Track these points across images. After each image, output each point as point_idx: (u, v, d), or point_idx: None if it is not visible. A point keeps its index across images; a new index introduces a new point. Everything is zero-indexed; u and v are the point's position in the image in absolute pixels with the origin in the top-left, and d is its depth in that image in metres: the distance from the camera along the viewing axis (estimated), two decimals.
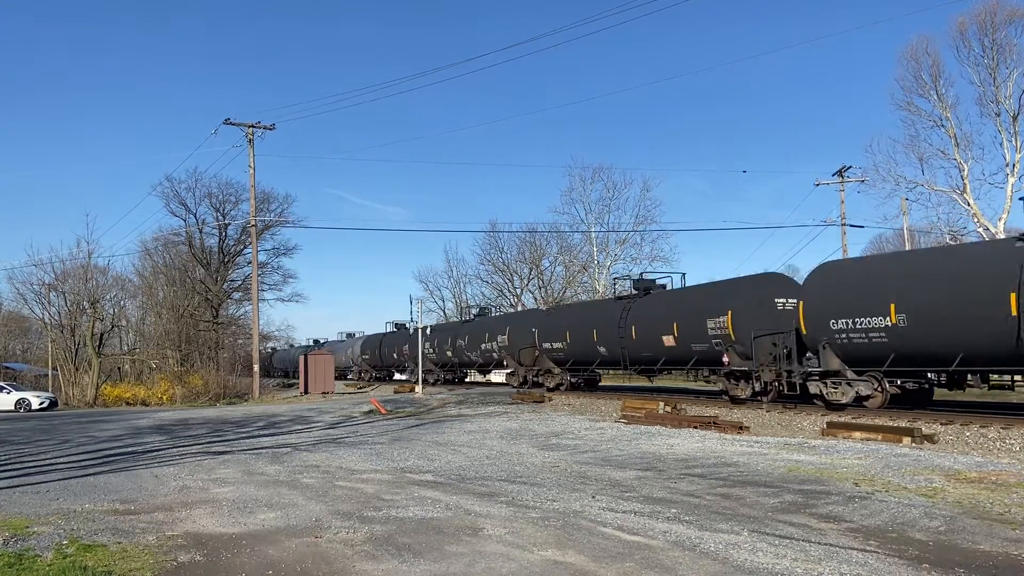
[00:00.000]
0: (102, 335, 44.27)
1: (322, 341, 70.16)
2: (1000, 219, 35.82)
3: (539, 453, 14.60)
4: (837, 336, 17.52)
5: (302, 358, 43.08)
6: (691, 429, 18.10)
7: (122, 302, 49.71)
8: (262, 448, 16.23)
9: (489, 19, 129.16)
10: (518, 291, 63.95)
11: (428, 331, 43.19)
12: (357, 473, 12.37)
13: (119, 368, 48.71)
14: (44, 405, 35.59)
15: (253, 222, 41.96)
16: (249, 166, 39.28)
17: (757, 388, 20.62)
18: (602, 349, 27.45)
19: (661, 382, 34.39)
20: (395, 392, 38.50)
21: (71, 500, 10.29)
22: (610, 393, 28.82)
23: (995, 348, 14.18)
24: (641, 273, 32.08)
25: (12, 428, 23.78)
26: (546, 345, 31.06)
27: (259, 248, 48.14)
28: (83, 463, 14.26)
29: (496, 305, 64.09)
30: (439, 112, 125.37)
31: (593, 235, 58.50)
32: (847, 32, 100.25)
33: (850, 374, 17.67)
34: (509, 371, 35.66)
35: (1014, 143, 35.38)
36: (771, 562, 6.60)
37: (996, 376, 15.90)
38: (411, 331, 48.15)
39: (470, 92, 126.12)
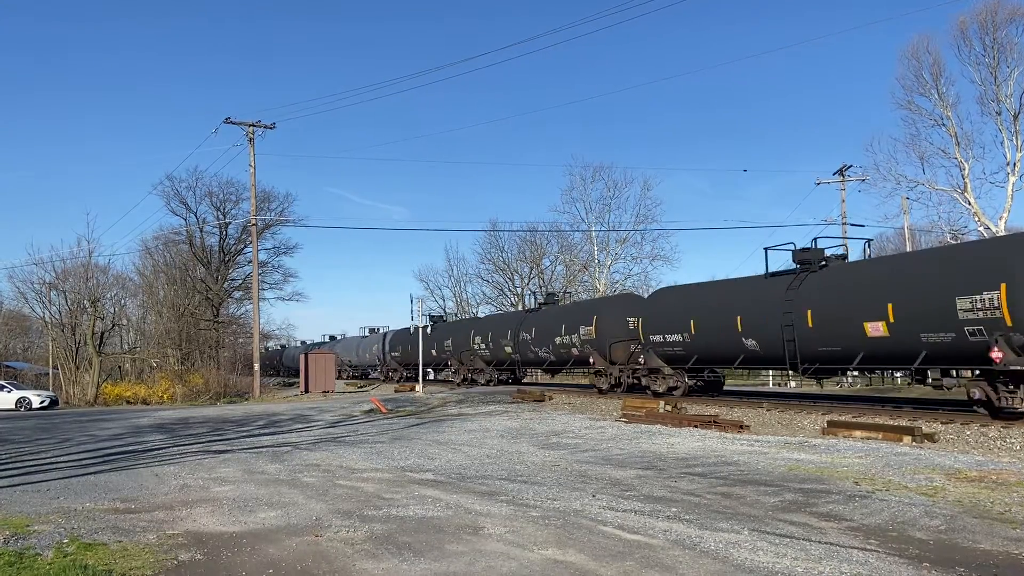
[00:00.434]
0: (103, 334, 44.29)
1: (338, 336, 66.47)
2: (1001, 218, 35.80)
3: (539, 452, 14.60)
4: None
5: (303, 357, 43.08)
6: (692, 428, 18.10)
7: (123, 301, 49.78)
8: (262, 447, 16.23)
9: (489, 18, 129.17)
10: (519, 290, 63.97)
11: (457, 324, 43.48)
12: (357, 472, 12.37)
13: (120, 367, 48.77)
14: (45, 404, 35.61)
15: (254, 221, 41.97)
16: (250, 165, 39.33)
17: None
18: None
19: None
20: (396, 391, 38.51)
21: (71, 499, 10.29)
22: (616, 394, 28.79)
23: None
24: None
25: (13, 427, 23.79)
26: (656, 338, 24.90)
27: (260, 247, 48.19)
28: (83, 462, 14.27)
29: (496, 304, 64.13)
30: (440, 111, 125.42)
31: (594, 234, 58.47)
32: (847, 32, 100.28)
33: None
34: (595, 370, 28.48)
35: (1015, 142, 35.34)
36: (771, 561, 6.60)
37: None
38: (454, 322, 45.28)
39: (471, 91, 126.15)
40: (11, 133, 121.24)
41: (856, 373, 22.76)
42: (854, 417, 16.85)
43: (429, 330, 40.91)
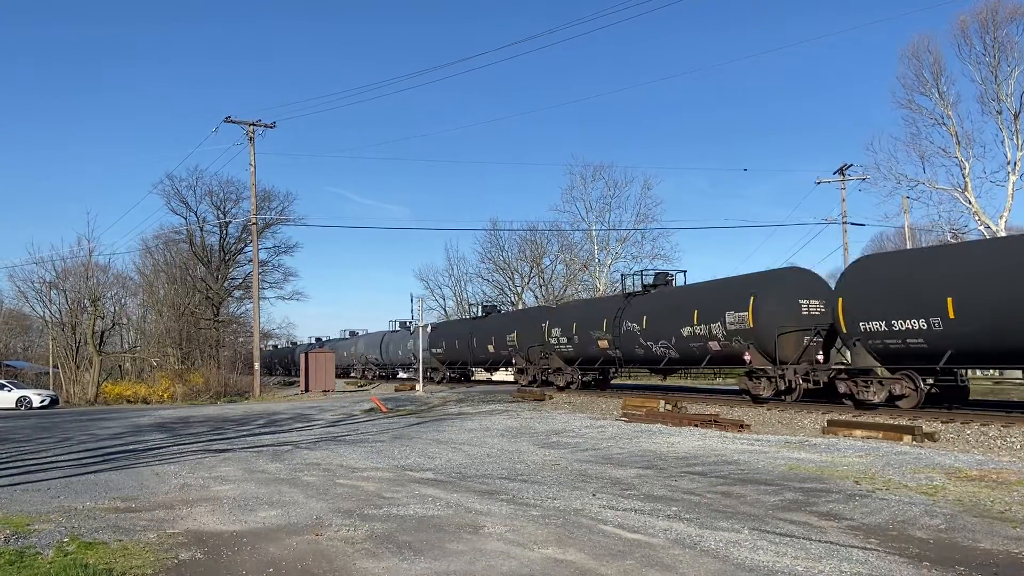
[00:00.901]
0: (103, 333, 44.27)
1: (360, 332, 60.23)
2: (1001, 217, 35.83)
3: (540, 451, 14.60)
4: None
5: (303, 356, 43.06)
6: (692, 427, 18.10)
7: (123, 300, 49.73)
8: (263, 446, 16.24)
9: (490, 18, 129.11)
10: (519, 289, 63.99)
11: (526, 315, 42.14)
12: (358, 471, 12.37)
13: (120, 366, 48.78)
14: (45, 403, 35.62)
15: (254, 220, 41.97)
16: (250, 164, 39.31)
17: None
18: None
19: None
20: (396, 390, 38.52)
21: (72, 498, 10.29)
22: (615, 392, 28.79)
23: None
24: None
25: (13, 426, 23.80)
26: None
27: (260, 246, 48.19)
28: (84, 461, 14.27)
29: (497, 303, 64.05)
30: (440, 111, 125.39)
31: (594, 233, 58.53)
32: (847, 31, 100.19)
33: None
34: (748, 370, 22.37)
35: (1015, 141, 35.36)
36: (772, 560, 6.60)
37: None
38: (519, 311, 41.25)
39: (471, 91, 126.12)
40: (12, 132, 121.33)
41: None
42: (854, 416, 16.84)
43: (482, 319, 37.43)
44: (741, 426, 17.47)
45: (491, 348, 35.77)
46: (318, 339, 68.52)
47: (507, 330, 34.97)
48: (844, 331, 17.74)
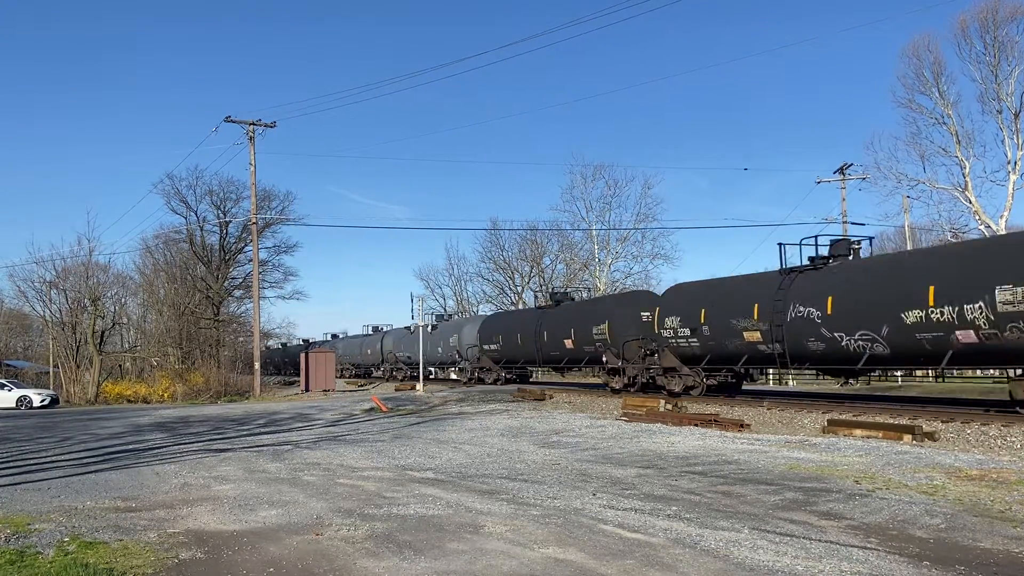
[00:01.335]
0: (103, 333, 44.28)
1: (385, 328, 55.46)
2: (1001, 216, 35.82)
3: (540, 451, 14.60)
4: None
5: (303, 355, 43.06)
6: (692, 427, 18.10)
7: (123, 300, 49.71)
8: (263, 446, 16.24)
9: (490, 18, 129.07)
10: (519, 289, 64.01)
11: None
12: (358, 471, 12.38)
13: (120, 365, 48.79)
14: (45, 402, 35.63)
15: (254, 220, 42.00)
16: (250, 163, 39.35)
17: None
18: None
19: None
20: (396, 390, 38.54)
21: (72, 497, 10.30)
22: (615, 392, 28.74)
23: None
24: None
25: (13, 425, 23.81)
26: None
27: (260, 246, 48.16)
28: (84, 460, 14.28)
29: (497, 303, 63.99)
30: (440, 110, 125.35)
31: (594, 233, 58.53)
32: (847, 31, 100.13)
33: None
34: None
35: (1015, 140, 35.35)
36: (772, 560, 6.60)
37: None
38: (611, 296, 35.62)
39: (471, 90, 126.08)
40: (13, 132, 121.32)
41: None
42: (854, 416, 16.85)
43: (552, 308, 32.37)
44: (741, 426, 17.47)
45: (569, 343, 29.56)
46: (334, 335, 64.94)
47: (593, 320, 28.38)
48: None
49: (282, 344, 77.04)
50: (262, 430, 20.04)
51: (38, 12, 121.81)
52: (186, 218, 54.95)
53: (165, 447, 16.41)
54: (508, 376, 36.49)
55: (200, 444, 16.87)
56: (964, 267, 15.72)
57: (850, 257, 19.46)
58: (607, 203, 58.85)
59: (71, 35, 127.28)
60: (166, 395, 39.16)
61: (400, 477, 11.65)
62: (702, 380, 23.10)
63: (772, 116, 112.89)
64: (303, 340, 71.35)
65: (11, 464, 14.06)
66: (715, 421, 18.23)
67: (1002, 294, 14.49)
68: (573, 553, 6.94)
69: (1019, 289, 14.26)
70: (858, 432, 15.42)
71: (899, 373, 26.78)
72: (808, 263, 19.97)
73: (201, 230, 55.19)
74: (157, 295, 49.70)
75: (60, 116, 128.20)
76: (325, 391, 39.98)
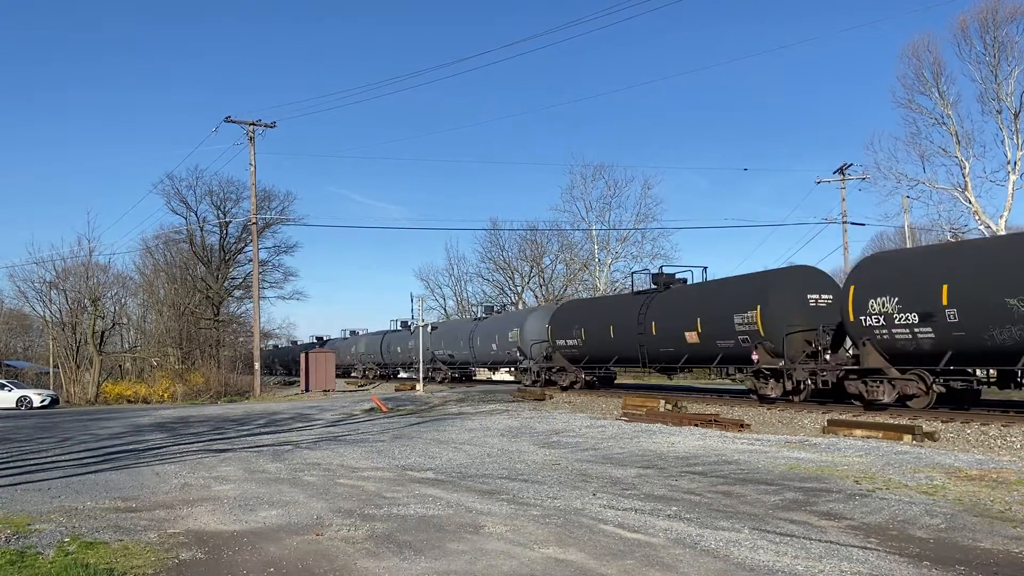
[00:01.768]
0: (103, 333, 44.28)
1: (411, 324, 47.41)
2: (1001, 217, 35.81)
3: (540, 451, 14.61)
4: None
5: (303, 355, 43.05)
6: (692, 427, 18.10)
7: (123, 300, 49.68)
8: (263, 446, 16.24)
9: (490, 18, 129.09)
10: (519, 289, 64.01)
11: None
12: (358, 471, 12.38)
13: (120, 366, 48.78)
14: (45, 403, 35.63)
15: (254, 220, 41.99)
16: (250, 164, 39.34)
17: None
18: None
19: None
20: (396, 390, 38.54)
21: (72, 497, 10.30)
22: (616, 391, 28.77)
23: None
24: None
25: (13, 426, 23.81)
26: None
27: (260, 246, 48.16)
28: (84, 461, 14.28)
29: (497, 303, 63.89)
30: (440, 110, 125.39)
31: (594, 233, 58.51)
32: (847, 31, 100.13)
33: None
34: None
35: (1015, 140, 35.34)
36: (772, 560, 6.60)
37: None
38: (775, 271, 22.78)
39: (471, 90, 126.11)
40: (13, 131, 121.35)
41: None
42: (854, 416, 16.85)
43: (660, 292, 25.53)
44: (741, 426, 17.48)
45: (692, 338, 23.27)
46: (352, 332, 60.79)
47: (733, 305, 21.67)
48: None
49: (319, 339, 74.86)
50: (262, 430, 20.04)
51: (38, 12, 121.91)
52: (186, 218, 55.01)
53: (165, 447, 16.41)
54: (589, 379, 29.72)
55: (200, 444, 16.87)
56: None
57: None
58: (607, 203, 58.82)
59: (71, 35, 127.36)
60: (166, 395, 39.16)
61: (400, 477, 11.65)
62: (928, 389, 16.71)
63: (772, 116, 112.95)
64: (318, 338, 67.81)
65: (11, 464, 14.06)
66: (715, 421, 18.24)
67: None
68: (573, 553, 6.94)
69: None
70: (858, 432, 15.43)
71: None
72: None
73: (201, 230, 55.25)
74: (157, 295, 49.71)
75: (60, 116, 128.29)
76: (325, 391, 39.98)
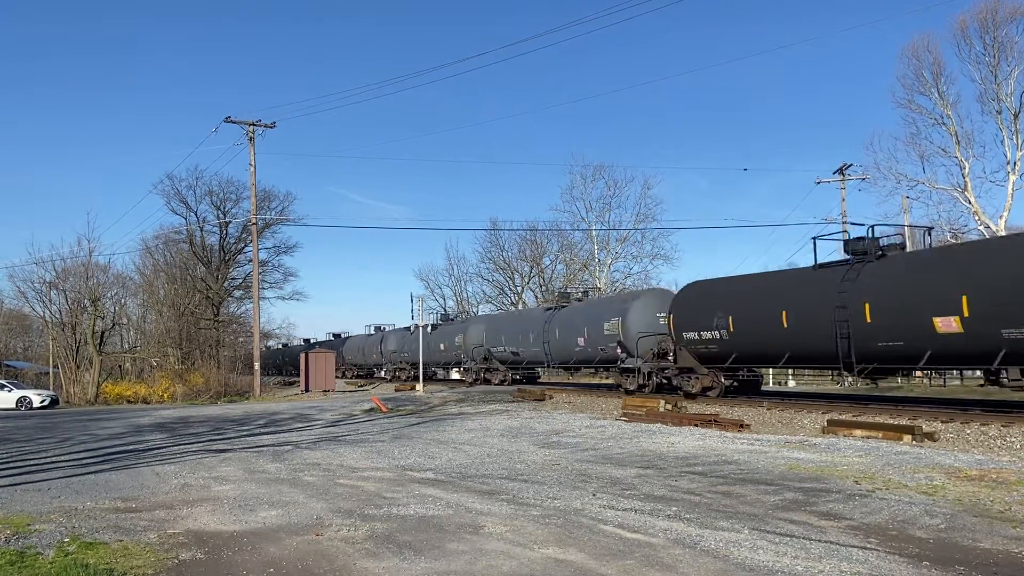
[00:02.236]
0: (103, 333, 44.28)
1: (387, 328, 49.45)
2: (1001, 217, 35.82)
3: (540, 451, 14.61)
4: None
5: (303, 356, 43.05)
6: (692, 427, 18.10)
7: (123, 300, 49.70)
8: (263, 446, 16.24)
9: (491, 17, 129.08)
10: (519, 289, 64.01)
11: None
12: (358, 471, 12.38)
13: (120, 366, 48.79)
14: (45, 403, 35.63)
15: (254, 220, 42.00)
16: (250, 164, 39.34)
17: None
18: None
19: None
20: (396, 390, 38.53)
21: (72, 498, 10.30)
22: (604, 391, 28.75)
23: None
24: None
25: (13, 426, 23.81)
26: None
27: (260, 246, 48.16)
28: (84, 461, 14.28)
29: (497, 303, 63.87)
30: (441, 110, 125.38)
31: (594, 233, 58.52)
32: (847, 31, 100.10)
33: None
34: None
35: (1015, 141, 35.35)
36: (771, 560, 6.60)
37: None
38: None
39: (471, 90, 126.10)
40: (13, 131, 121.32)
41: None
42: (854, 416, 16.85)
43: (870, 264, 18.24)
44: (741, 426, 17.47)
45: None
46: (377, 328, 55.60)
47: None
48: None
49: (283, 344, 76.41)
50: (262, 430, 20.04)
51: (38, 12, 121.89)
52: (186, 218, 54.99)
53: (165, 447, 16.41)
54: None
55: (200, 444, 16.87)
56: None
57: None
58: (607, 203, 58.83)
59: (71, 35, 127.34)
60: (166, 395, 39.16)
61: (400, 477, 11.65)
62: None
63: (772, 116, 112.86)
64: (331, 335, 64.71)
65: (11, 464, 14.06)
66: (715, 421, 18.24)
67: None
68: (573, 553, 6.94)
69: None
70: (858, 432, 15.43)
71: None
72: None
73: (201, 230, 55.24)
74: (157, 295, 49.71)
75: (60, 116, 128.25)
76: (325, 391, 39.98)
